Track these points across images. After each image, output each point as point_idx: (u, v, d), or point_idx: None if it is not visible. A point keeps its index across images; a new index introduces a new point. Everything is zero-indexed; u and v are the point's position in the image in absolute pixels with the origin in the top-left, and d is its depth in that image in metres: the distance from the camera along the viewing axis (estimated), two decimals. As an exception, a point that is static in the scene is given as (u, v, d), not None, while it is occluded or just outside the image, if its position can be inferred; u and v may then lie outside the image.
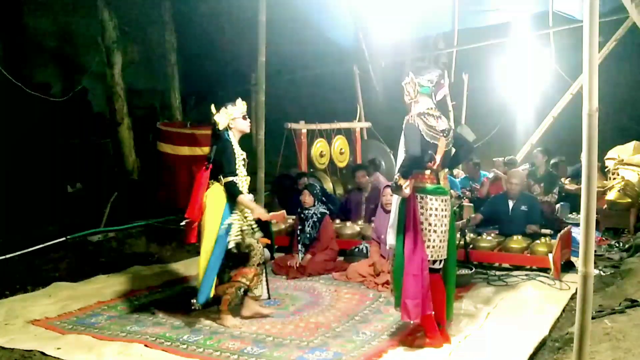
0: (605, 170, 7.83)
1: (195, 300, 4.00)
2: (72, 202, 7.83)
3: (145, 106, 10.64)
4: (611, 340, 3.30)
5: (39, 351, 3.64)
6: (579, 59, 2.63)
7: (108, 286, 5.10)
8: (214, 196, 4.08)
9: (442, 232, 3.55)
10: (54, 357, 3.58)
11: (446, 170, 3.64)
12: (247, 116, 4.27)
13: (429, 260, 3.53)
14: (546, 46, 9.60)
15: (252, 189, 6.39)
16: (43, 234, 6.37)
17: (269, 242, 5.94)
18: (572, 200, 7.13)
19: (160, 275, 5.50)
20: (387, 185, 5.47)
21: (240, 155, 4.19)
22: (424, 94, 3.57)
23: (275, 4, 7.36)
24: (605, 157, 8.16)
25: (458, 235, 5.61)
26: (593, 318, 3.45)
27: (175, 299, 4.74)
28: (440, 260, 3.62)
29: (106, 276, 5.47)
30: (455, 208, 6.86)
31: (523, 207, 5.87)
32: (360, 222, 6.52)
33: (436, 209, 3.51)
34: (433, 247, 3.52)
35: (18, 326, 4.11)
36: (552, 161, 7.99)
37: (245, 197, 4.13)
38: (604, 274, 5.18)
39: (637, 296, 4.05)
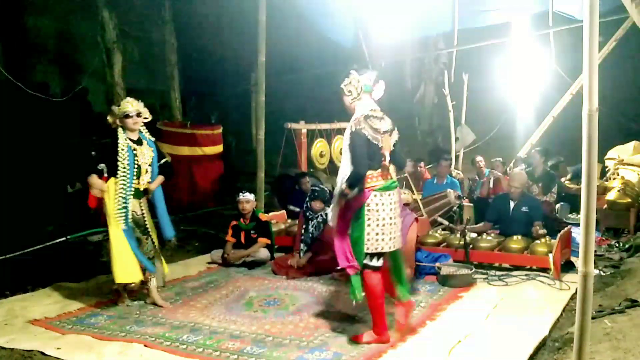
0: (606, 170, 7.83)
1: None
2: (72, 202, 7.82)
3: (145, 106, 10.63)
4: (611, 340, 3.29)
5: (39, 351, 3.63)
6: (579, 59, 2.63)
7: (108, 286, 5.09)
8: (111, 187, 4.36)
9: (397, 223, 3.64)
10: (54, 357, 3.57)
11: (393, 166, 3.73)
12: (132, 115, 4.48)
13: (379, 254, 3.58)
14: (546, 46, 9.60)
15: (252, 189, 6.45)
16: (43, 234, 6.37)
17: (268, 242, 5.98)
18: (572, 200, 7.12)
19: (160, 275, 5.48)
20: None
21: (126, 150, 4.37)
22: (367, 92, 3.65)
23: (275, 4, 7.38)
24: (605, 157, 8.16)
25: (458, 235, 5.65)
26: (593, 318, 3.45)
27: (175, 299, 4.74)
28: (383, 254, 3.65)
29: (106, 276, 5.44)
30: (455, 208, 6.90)
31: (524, 208, 5.86)
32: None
33: (394, 203, 3.62)
34: (390, 239, 3.59)
35: (18, 326, 4.10)
36: (552, 162, 7.98)
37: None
38: (604, 274, 5.18)
39: (637, 296, 4.05)
